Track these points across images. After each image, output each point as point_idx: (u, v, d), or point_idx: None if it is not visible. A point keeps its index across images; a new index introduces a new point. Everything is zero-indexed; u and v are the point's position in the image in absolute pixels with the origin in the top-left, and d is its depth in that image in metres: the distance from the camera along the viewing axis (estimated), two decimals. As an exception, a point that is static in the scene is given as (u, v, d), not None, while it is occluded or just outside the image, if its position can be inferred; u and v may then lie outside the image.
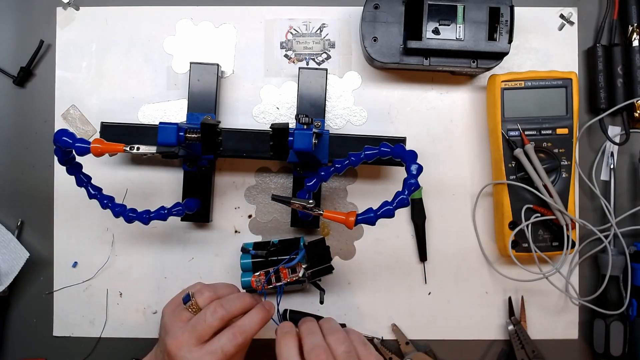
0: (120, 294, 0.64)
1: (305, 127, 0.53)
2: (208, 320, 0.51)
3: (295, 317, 0.63)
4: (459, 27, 0.58)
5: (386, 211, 0.49)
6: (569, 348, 0.65)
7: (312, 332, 0.51)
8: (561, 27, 0.65)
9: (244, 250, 0.60)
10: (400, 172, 0.64)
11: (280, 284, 0.57)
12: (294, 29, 0.64)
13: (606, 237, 0.62)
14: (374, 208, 0.50)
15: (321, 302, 0.62)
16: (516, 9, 0.58)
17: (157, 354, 0.54)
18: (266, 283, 0.56)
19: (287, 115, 0.64)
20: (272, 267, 0.57)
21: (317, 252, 0.57)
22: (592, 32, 0.65)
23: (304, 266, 0.57)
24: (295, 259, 0.57)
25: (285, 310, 0.63)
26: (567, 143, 0.60)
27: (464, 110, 0.65)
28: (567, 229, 0.60)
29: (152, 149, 0.50)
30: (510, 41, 0.58)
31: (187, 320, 0.52)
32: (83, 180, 0.55)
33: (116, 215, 0.56)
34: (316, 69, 0.62)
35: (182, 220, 0.63)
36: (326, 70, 0.62)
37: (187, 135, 0.53)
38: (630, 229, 0.64)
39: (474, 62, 0.59)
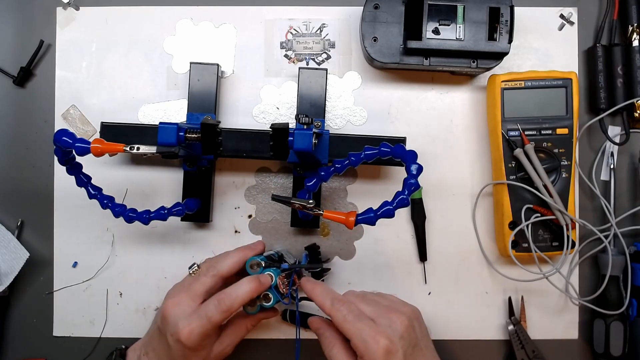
0: (120, 294, 0.64)
1: (305, 127, 0.53)
2: (201, 278, 0.53)
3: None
4: (459, 27, 0.58)
5: (386, 211, 0.49)
6: (569, 348, 0.65)
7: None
8: (561, 27, 0.65)
9: (253, 265, 0.55)
10: (400, 172, 0.64)
11: (295, 287, 0.56)
12: (294, 29, 0.64)
13: (606, 237, 0.62)
14: (374, 208, 0.50)
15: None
16: (516, 9, 0.58)
17: (152, 329, 0.55)
18: (290, 286, 0.56)
19: (287, 115, 0.64)
20: (287, 271, 0.56)
21: (313, 255, 0.62)
22: (592, 32, 0.65)
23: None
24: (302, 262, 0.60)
25: (285, 311, 0.63)
26: (567, 143, 0.60)
27: (464, 110, 0.65)
28: (567, 229, 0.60)
29: (152, 149, 0.51)
30: (510, 41, 0.58)
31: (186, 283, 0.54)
32: (83, 180, 0.55)
33: (116, 215, 0.56)
34: (316, 69, 0.62)
35: (182, 220, 0.63)
36: (326, 70, 0.62)
37: (187, 135, 0.53)
38: (630, 229, 0.64)
39: (474, 62, 0.59)
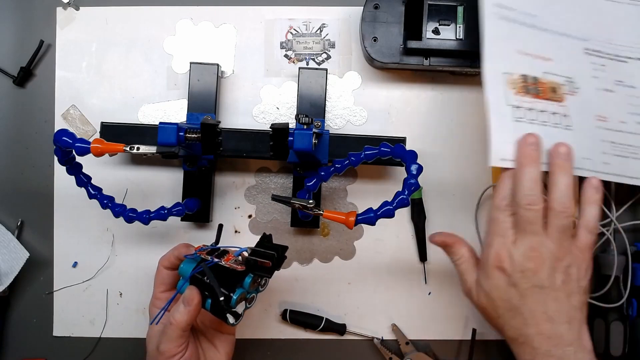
0: (120, 294, 0.64)
1: (305, 127, 0.53)
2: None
3: (296, 317, 0.63)
4: (459, 27, 0.58)
5: (386, 211, 0.49)
6: (569, 348, 0.64)
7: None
8: (561, 27, 0.65)
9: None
10: (400, 172, 0.64)
11: (217, 260, 0.49)
12: (294, 29, 0.64)
13: (607, 237, 0.62)
14: (374, 208, 0.50)
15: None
16: (516, 9, 0.58)
17: None
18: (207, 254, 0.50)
19: (287, 115, 0.64)
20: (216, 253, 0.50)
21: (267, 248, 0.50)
22: (592, 32, 0.65)
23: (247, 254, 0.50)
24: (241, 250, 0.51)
25: (285, 310, 0.63)
26: (567, 143, 0.60)
27: (464, 110, 0.65)
28: (567, 229, 0.59)
29: (152, 149, 0.50)
30: (510, 41, 0.58)
31: None
32: (83, 180, 0.55)
33: (116, 215, 0.56)
34: (316, 69, 0.62)
35: (182, 220, 0.63)
36: (326, 70, 0.62)
37: (187, 135, 0.53)
38: (631, 225, 0.64)
39: (474, 62, 0.59)
